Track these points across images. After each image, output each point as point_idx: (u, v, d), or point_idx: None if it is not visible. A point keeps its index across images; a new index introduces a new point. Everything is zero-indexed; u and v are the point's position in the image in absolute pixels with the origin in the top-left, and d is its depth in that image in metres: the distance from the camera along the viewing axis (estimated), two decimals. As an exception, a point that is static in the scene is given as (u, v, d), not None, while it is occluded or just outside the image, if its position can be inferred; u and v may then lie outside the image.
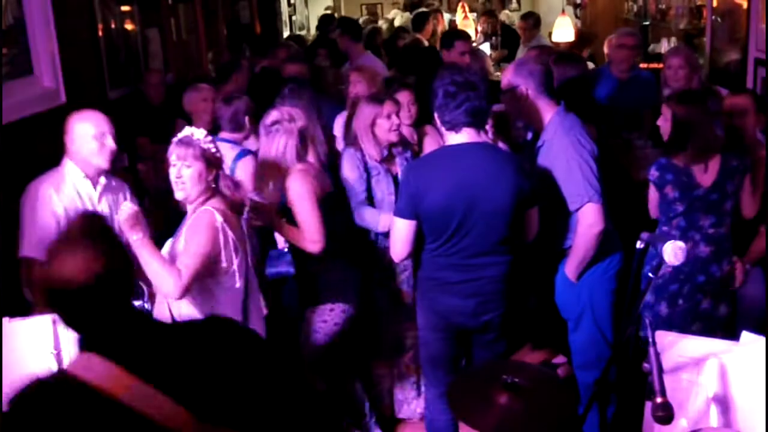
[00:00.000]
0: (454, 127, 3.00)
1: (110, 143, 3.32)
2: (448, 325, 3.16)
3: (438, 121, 3.07)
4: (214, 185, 2.97)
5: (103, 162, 3.33)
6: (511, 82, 3.34)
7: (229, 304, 2.96)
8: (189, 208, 2.97)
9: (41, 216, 3.22)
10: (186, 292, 2.78)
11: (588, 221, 3.17)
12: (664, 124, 3.50)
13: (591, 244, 3.21)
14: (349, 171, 3.70)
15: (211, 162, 2.94)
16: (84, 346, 1.64)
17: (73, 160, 3.33)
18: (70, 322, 1.68)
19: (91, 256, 1.62)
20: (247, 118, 4.10)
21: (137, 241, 2.74)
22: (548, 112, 3.31)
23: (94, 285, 1.61)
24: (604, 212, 3.18)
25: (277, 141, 3.41)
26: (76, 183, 3.34)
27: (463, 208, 2.94)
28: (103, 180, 3.40)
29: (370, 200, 3.72)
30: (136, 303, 2.29)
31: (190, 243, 2.84)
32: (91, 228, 1.69)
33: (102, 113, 3.40)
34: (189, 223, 2.91)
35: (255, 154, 3.86)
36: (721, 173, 3.43)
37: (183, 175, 2.89)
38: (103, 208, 3.38)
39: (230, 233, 2.89)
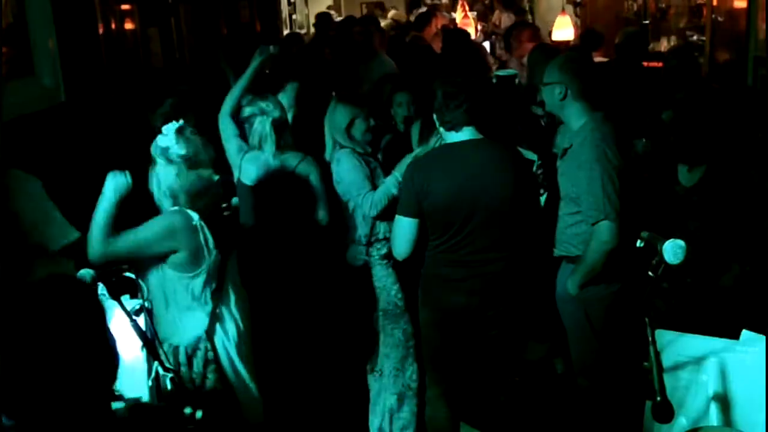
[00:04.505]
0: (454, 126, 3.01)
1: None
2: (451, 322, 3.15)
3: (438, 123, 3.07)
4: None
5: None
6: (554, 78, 3.22)
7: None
8: None
9: None
10: (101, 259, 2.53)
11: (601, 238, 3.04)
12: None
13: (600, 260, 3.09)
14: (352, 169, 3.57)
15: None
16: None
17: None
18: None
19: None
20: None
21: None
22: (583, 116, 3.18)
23: None
24: (619, 231, 3.02)
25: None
26: None
27: (467, 204, 2.96)
28: None
29: None
30: (135, 301, 2.29)
31: (141, 227, 2.63)
32: None
33: None
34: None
35: None
36: (706, 176, 3.35)
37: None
38: None
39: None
